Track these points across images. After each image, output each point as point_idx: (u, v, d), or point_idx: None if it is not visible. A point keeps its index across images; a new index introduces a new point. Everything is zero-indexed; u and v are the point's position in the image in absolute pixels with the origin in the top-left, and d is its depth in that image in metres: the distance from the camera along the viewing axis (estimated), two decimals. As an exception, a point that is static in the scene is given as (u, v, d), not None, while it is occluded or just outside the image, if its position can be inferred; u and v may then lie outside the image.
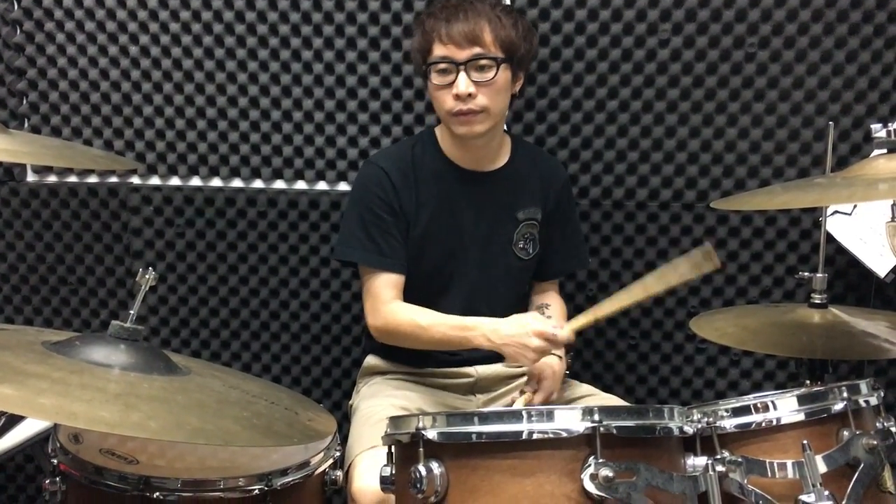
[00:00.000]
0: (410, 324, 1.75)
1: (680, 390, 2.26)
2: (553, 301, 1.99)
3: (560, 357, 1.78)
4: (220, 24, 2.19)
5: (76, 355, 1.20)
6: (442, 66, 1.73)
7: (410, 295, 1.81)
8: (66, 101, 2.26)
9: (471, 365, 1.89)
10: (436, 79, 1.74)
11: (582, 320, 1.67)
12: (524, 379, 1.83)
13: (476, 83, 1.72)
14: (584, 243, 2.08)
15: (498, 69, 1.73)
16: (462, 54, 1.71)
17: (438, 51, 1.73)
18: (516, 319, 1.67)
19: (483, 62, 1.72)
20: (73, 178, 2.30)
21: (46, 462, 1.41)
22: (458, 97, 1.72)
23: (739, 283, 2.20)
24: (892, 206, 1.41)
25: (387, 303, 1.78)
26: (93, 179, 2.29)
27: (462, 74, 1.71)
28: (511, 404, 1.78)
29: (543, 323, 1.66)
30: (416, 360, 1.90)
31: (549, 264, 1.98)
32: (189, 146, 2.25)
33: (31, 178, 2.31)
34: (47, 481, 1.38)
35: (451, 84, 1.72)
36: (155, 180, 2.28)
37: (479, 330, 1.68)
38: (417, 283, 1.84)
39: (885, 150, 1.40)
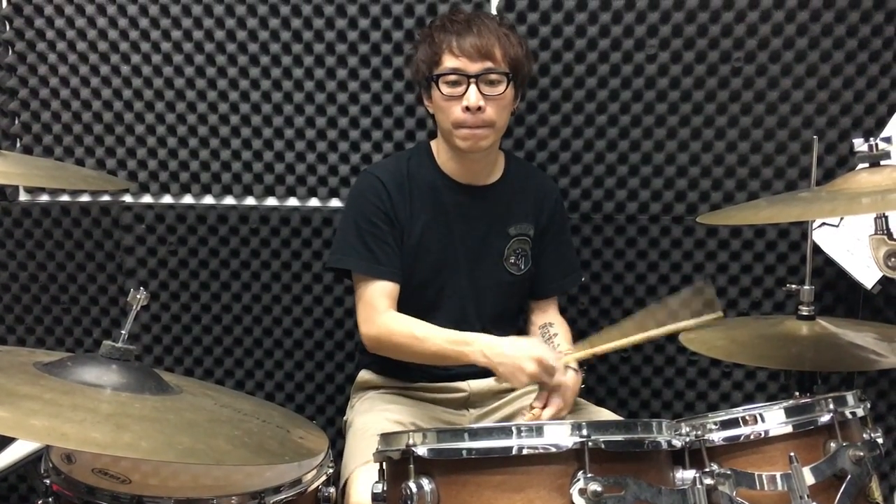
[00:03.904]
0: (406, 335, 1.74)
1: (672, 403, 2.27)
2: (556, 321, 1.98)
3: (575, 370, 1.74)
4: (210, 42, 2.20)
5: (67, 376, 1.20)
6: (452, 77, 1.74)
7: (402, 306, 1.81)
8: (57, 120, 2.27)
9: (464, 380, 1.89)
10: (445, 90, 1.74)
11: (577, 354, 1.68)
12: (529, 394, 1.82)
13: (485, 97, 1.73)
14: (576, 260, 2.08)
15: (508, 84, 1.75)
16: (474, 67, 1.73)
17: (449, 62, 1.74)
18: (518, 341, 1.66)
19: (493, 76, 1.74)
20: (65, 197, 2.30)
21: (39, 482, 1.41)
22: (467, 109, 1.73)
23: (729, 295, 2.21)
24: (876, 218, 1.42)
25: (382, 312, 1.78)
26: (85, 198, 2.30)
27: (473, 87, 1.72)
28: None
29: (546, 351, 1.64)
30: (409, 375, 1.90)
31: (544, 282, 1.98)
32: (181, 164, 2.26)
33: (23, 197, 2.32)
34: (40, 501, 1.38)
35: (460, 96, 1.73)
36: (147, 198, 2.29)
37: (476, 345, 1.66)
38: (409, 294, 1.84)
39: (867, 164, 1.42)
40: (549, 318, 1.98)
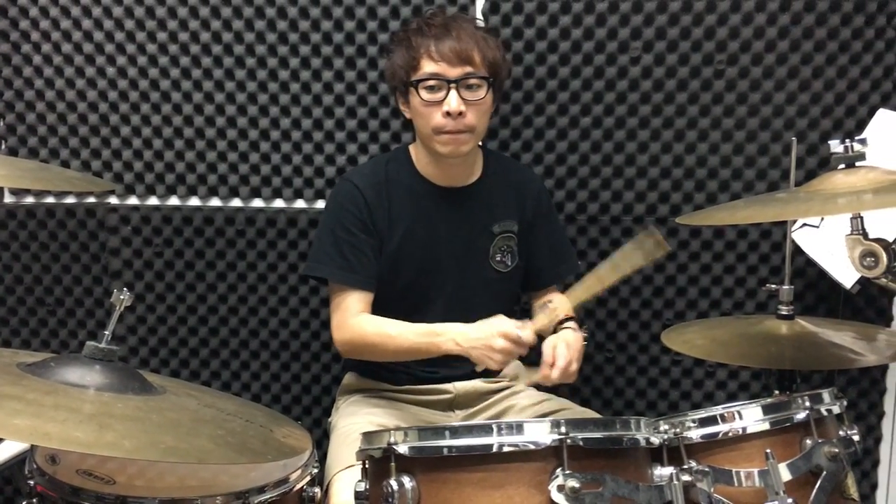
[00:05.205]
0: (378, 334, 1.75)
1: (656, 402, 2.28)
2: (554, 296, 1.94)
3: (574, 329, 1.74)
4: (196, 44, 2.21)
5: (51, 376, 1.20)
6: (432, 82, 1.73)
7: (387, 312, 1.81)
8: (42, 122, 2.26)
9: (449, 381, 1.90)
10: (424, 95, 1.74)
11: (544, 320, 1.69)
12: (515, 394, 1.83)
13: (466, 102, 1.73)
14: (570, 247, 2.06)
15: (488, 89, 1.75)
16: (454, 72, 1.72)
17: (428, 67, 1.73)
18: (483, 322, 1.66)
19: (473, 81, 1.74)
20: (50, 199, 2.30)
21: (24, 484, 1.41)
22: (448, 115, 1.72)
23: (713, 295, 2.23)
24: (852, 219, 1.44)
25: (354, 316, 1.79)
26: (70, 200, 2.29)
27: (453, 92, 1.72)
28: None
29: (508, 324, 1.64)
30: (395, 378, 1.90)
31: (540, 273, 1.98)
32: (167, 166, 2.26)
33: (8, 199, 2.31)
34: (24, 502, 1.38)
35: (440, 102, 1.73)
36: (133, 200, 2.29)
37: (447, 335, 1.67)
38: (394, 299, 1.84)
39: (843, 166, 1.44)
40: (547, 297, 1.94)
